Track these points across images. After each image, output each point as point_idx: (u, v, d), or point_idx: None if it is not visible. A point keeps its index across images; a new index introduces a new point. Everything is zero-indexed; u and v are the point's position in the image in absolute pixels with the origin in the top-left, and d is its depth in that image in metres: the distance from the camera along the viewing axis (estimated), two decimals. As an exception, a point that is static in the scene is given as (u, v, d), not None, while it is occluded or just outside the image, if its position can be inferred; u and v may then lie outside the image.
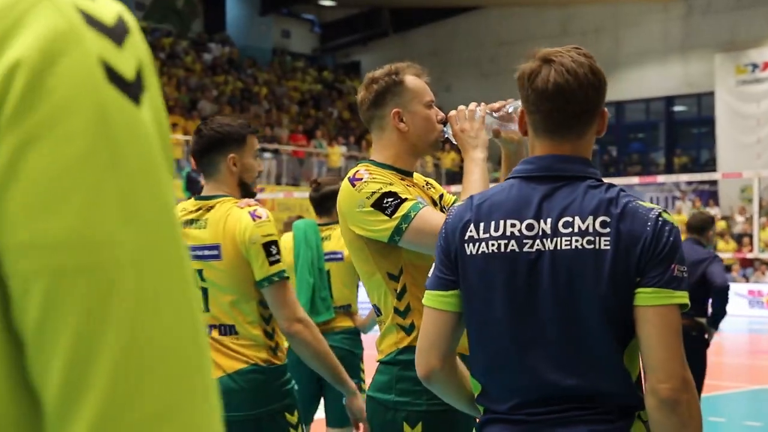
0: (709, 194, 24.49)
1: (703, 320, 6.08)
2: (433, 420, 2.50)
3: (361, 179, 2.50)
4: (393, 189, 2.48)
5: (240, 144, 2.95)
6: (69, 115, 0.60)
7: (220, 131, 2.94)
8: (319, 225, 4.76)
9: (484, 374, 1.92)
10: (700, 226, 6.30)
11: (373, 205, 2.46)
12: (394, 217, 2.44)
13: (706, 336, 6.13)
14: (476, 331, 1.92)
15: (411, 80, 2.66)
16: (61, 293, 0.60)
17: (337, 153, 24.11)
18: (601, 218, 1.79)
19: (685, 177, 21.84)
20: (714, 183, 24.49)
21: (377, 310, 2.62)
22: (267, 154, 23.13)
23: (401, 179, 2.60)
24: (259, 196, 17.49)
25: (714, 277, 5.98)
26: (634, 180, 17.87)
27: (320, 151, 24.01)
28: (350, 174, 2.57)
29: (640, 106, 27.80)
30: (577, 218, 1.81)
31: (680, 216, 23.41)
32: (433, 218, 2.40)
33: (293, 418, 2.94)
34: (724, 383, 9.38)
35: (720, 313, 6.06)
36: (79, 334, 0.60)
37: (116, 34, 0.64)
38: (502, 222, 1.86)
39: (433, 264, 2.00)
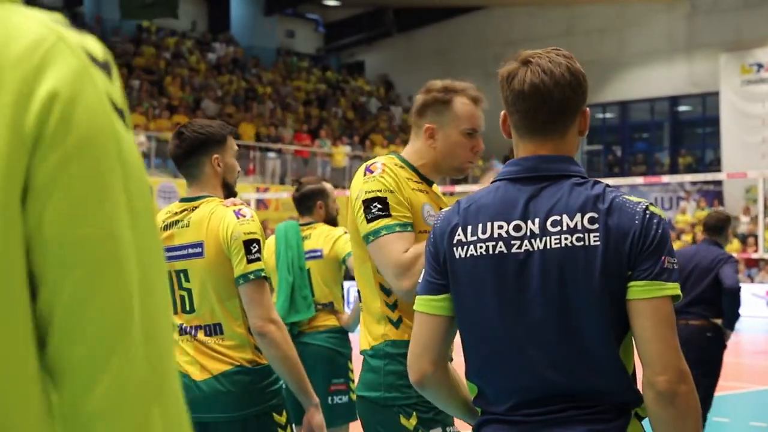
0: (713, 194, 24.46)
1: (719, 321, 6.04)
2: (426, 408, 2.53)
3: (373, 172, 2.56)
4: (388, 198, 2.51)
5: (222, 144, 2.99)
6: (96, 140, 0.78)
7: (204, 132, 2.97)
8: (301, 225, 4.78)
9: (480, 376, 1.92)
10: (719, 226, 6.23)
11: (363, 202, 2.53)
12: (368, 225, 2.51)
13: (724, 337, 6.09)
14: (469, 334, 1.92)
15: (460, 104, 2.66)
16: (95, 279, 0.77)
17: (341, 153, 24.11)
18: (588, 215, 1.80)
19: (689, 177, 21.79)
20: (719, 183, 24.45)
21: (359, 296, 2.67)
22: (271, 154, 23.14)
23: (417, 182, 2.64)
24: (263, 195, 17.45)
25: (725, 278, 5.93)
26: (639, 180, 17.85)
27: (324, 151, 24.03)
28: (370, 162, 2.63)
29: (645, 106, 27.78)
30: (565, 216, 1.81)
31: (684, 216, 23.38)
32: (394, 247, 2.45)
33: (281, 419, 2.93)
34: (729, 383, 9.35)
35: (732, 314, 6.01)
36: (109, 312, 0.78)
37: (107, 68, 0.81)
38: (489, 224, 1.86)
39: (423, 269, 2.01)
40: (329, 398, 4.56)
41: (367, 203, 2.52)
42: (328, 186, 4.91)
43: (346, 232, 4.73)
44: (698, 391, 5.99)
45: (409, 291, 2.43)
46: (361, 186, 2.56)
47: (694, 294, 5.97)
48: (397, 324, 2.55)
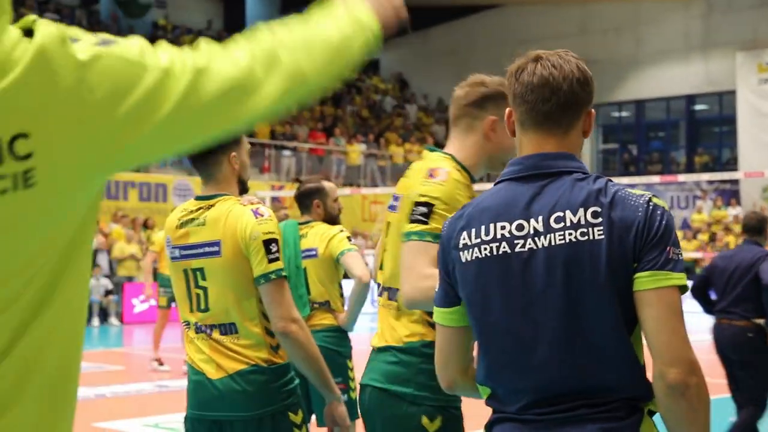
0: (730, 193, 24.31)
1: (762, 321, 5.99)
2: (452, 414, 2.57)
3: (435, 178, 2.54)
4: (436, 206, 2.50)
5: (237, 142, 3.00)
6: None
7: None
8: (300, 224, 4.79)
9: (491, 377, 1.92)
10: (759, 227, 6.21)
11: (415, 204, 2.52)
12: (408, 225, 2.51)
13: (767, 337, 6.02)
14: (479, 336, 1.93)
15: None
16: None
17: (356, 151, 24.11)
18: (591, 209, 1.80)
19: (706, 176, 21.69)
20: (735, 182, 24.32)
21: (395, 293, 2.65)
22: (286, 152, 23.17)
23: (470, 187, 2.64)
24: (278, 193, 17.50)
25: (762, 274, 5.90)
26: (655, 179, 17.75)
27: (339, 149, 24.04)
28: (434, 164, 2.61)
29: (661, 105, 27.65)
30: (568, 212, 1.81)
31: (700, 215, 23.25)
32: (416, 255, 2.45)
33: (297, 418, 2.92)
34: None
35: None
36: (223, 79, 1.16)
37: None
38: (492, 225, 1.87)
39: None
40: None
41: (417, 206, 2.52)
42: (327, 185, 4.91)
43: (342, 231, 4.74)
44: (744, 392, 5.86)
45: (409, 300, 2.45)
46: (419, 187, 2.55)
47: (736, 294, 5.95)
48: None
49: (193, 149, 1.16)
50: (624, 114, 28.41)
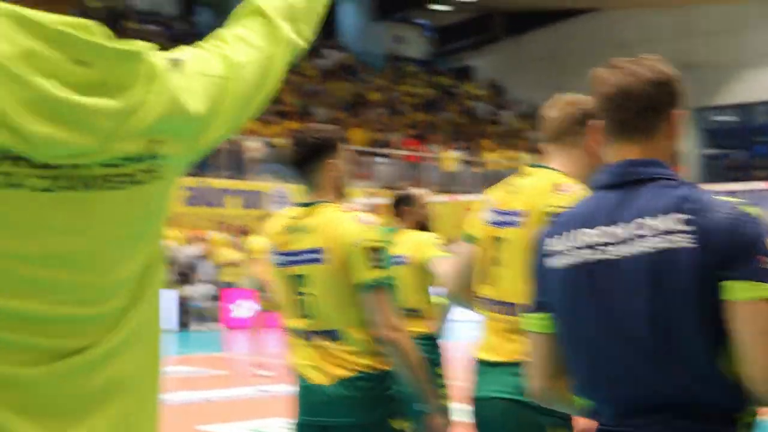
0: (840, 199, 23.37)
1: None
2: (571, 426, 2.61)
3: (567, 191, 2.69)
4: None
5: (335, 149, 3.02)
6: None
7: (320, 137, 3.00)
8: (390, 231, 4.76)
9: (584, 389, 1.89)
10: None
11: (547, 214, 2.60)
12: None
13: None
14: (569, 346, 1.91)
15: None
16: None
17: (450, 157, 24.10)
18: (677, 216, 1.75)
19: (815, 181, 20.83)
20: None
21: (512, 308, 2.68)
22: (380, 159, 23.32)
23: None
24: (373, 200, 17.54)
25: None
26: (761, 185, 17.16)
27: (433, 156, 24.05)
28: (557, 180, 2.74)
29: (766, 109, 26.77)
30: (653, 219, 1.77)
31: (809, 222, 22.37)
32: None
33: (401, 425, 2.93)
34: None
35: None
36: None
37: None
38: (577, 233, 1.87)
39: None
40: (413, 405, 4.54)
41: (551, 215, 2.56)
42: (416, 192, 4.94)
43: (433, 237, 4.73)
44: None
45: None
46: (548, 200, 2.68)
47: None
48: None
49: (239, 129, 1.45)
50: (728, 118, 27.62)
